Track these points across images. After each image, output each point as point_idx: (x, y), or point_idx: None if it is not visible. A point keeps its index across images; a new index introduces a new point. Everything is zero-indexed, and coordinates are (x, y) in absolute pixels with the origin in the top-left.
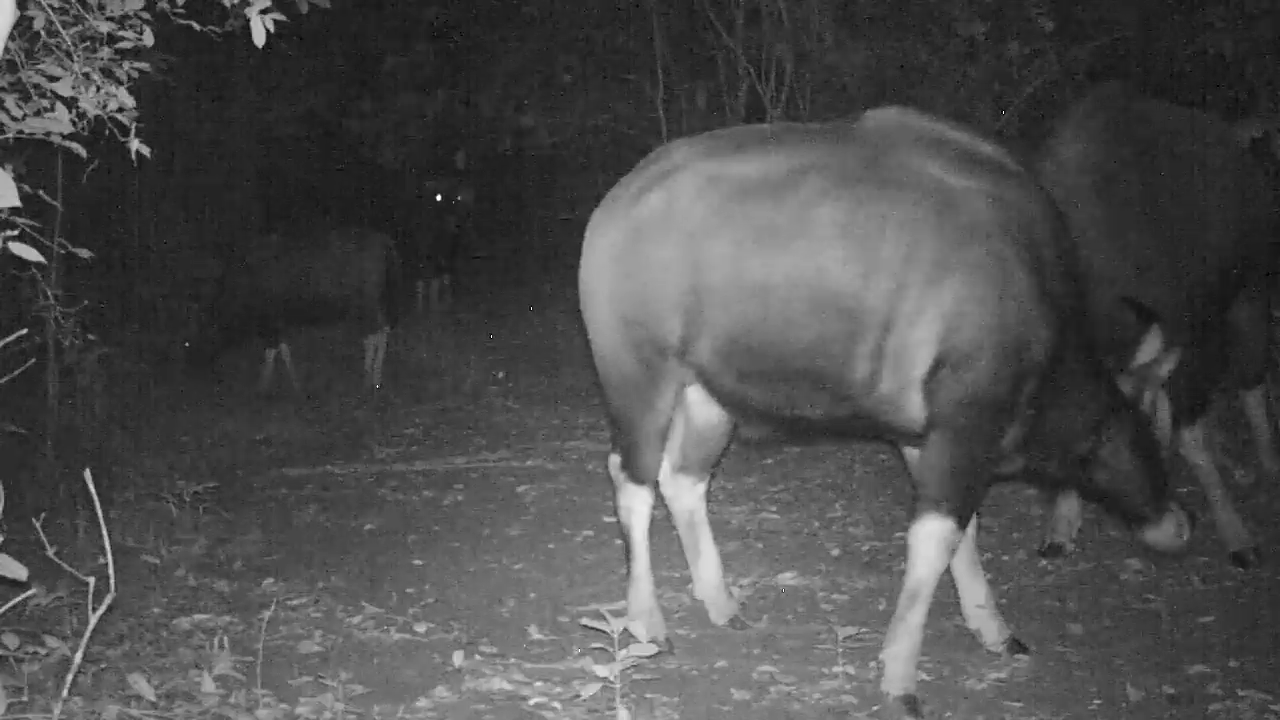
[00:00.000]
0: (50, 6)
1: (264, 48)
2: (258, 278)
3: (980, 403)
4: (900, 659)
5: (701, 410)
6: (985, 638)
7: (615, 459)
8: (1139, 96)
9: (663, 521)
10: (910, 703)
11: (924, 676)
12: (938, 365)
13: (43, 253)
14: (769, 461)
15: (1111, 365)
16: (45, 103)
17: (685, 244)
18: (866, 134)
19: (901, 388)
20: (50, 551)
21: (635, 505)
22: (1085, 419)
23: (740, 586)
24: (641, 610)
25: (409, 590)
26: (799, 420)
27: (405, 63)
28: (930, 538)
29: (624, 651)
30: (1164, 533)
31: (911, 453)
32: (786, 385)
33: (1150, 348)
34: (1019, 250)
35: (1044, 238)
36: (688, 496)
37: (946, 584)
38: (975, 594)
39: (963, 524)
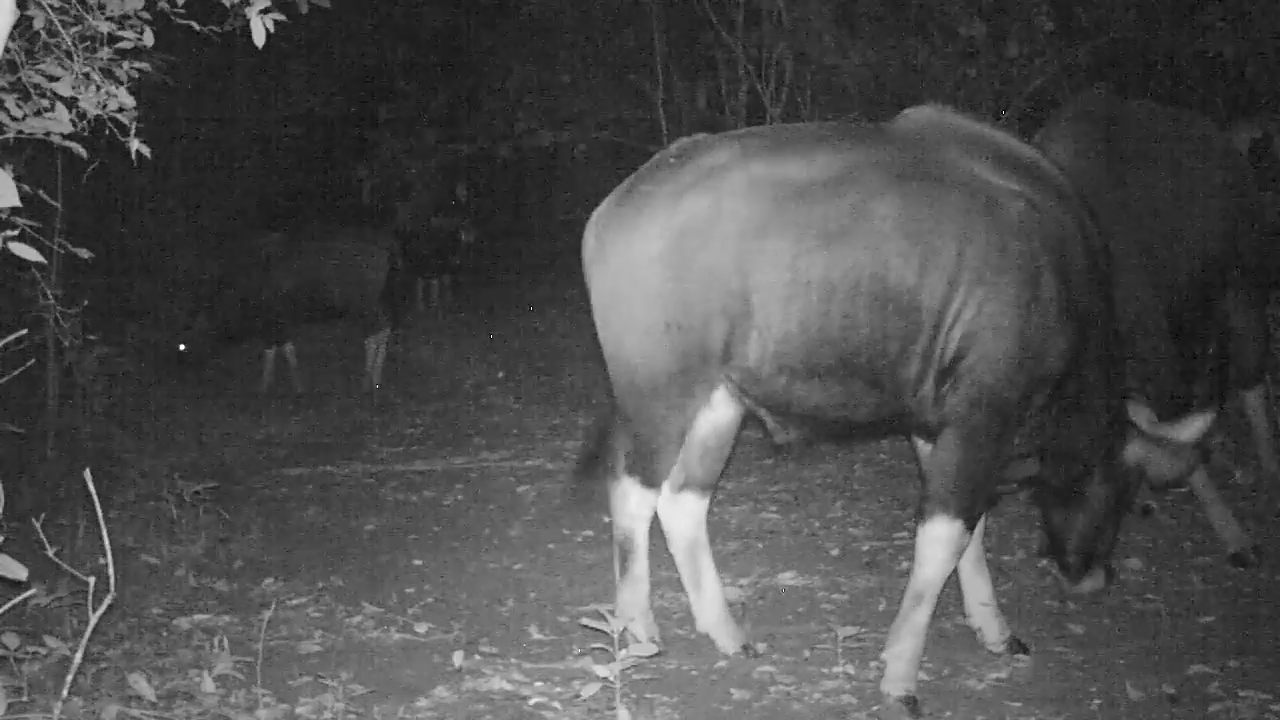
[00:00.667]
0: (50, 6)
1: (264, 48)
2: (260, 277)
3: (992, 404)
4: (903, 659)
5: (709, 416)
6: (986, 636)
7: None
8: (1126, 100)
9: (660, 521)
10: (911, 703)
11: (924, 676)
12: (956, 361)
13: (43, 253)
14: (769, 461)
15: (1133, 392)
16: (45, 103)
17: (735, 245)
18: (907, 133)
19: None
20: (50, 551)
21: (643, 511)
22: (1087, 439)
23: (740, 586)
24: (638, 611)
25: (409, 590)
26: (842, 421)
27: (402, 103)
28: (938, 540)
29: (624, 651)
30: (1077, 588)
31: (926, 449)
32: (839, 385)
33: (1194, 427)
34: (1051, 257)
35: (1075, 247)
36: (691, 517)
37: (948, 582)
38: (980, 591)
39: (970, 526)
